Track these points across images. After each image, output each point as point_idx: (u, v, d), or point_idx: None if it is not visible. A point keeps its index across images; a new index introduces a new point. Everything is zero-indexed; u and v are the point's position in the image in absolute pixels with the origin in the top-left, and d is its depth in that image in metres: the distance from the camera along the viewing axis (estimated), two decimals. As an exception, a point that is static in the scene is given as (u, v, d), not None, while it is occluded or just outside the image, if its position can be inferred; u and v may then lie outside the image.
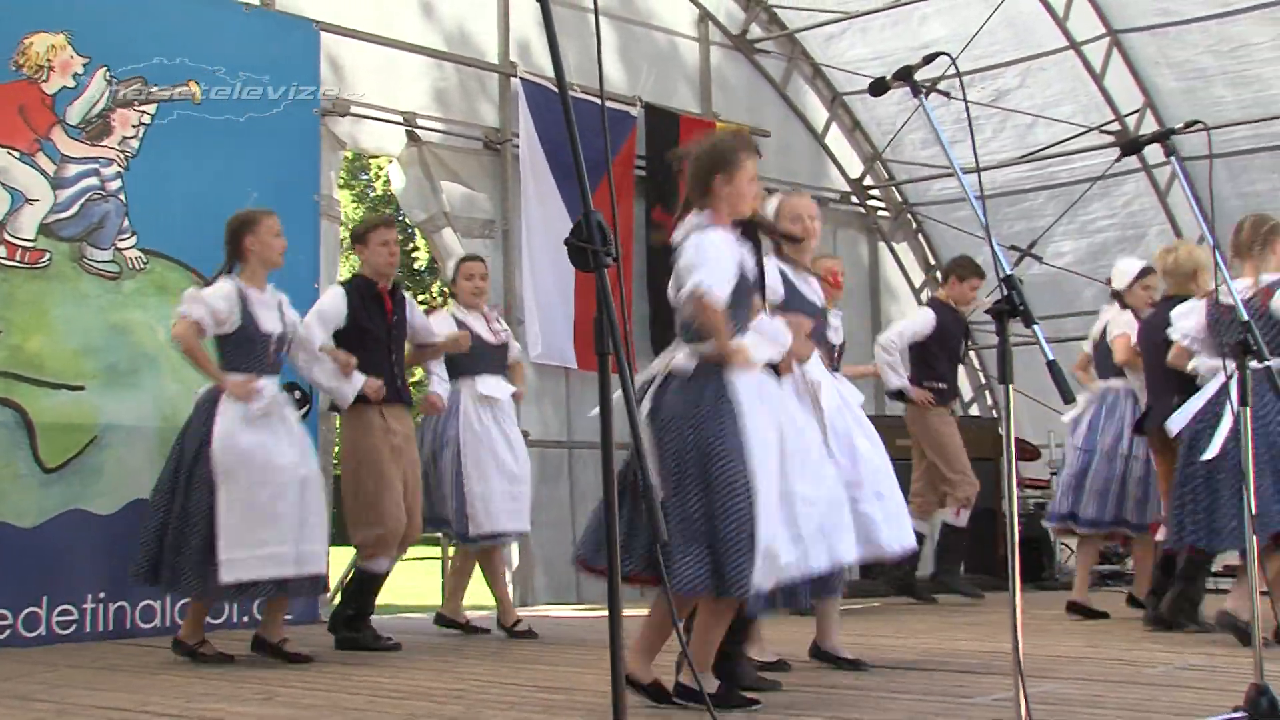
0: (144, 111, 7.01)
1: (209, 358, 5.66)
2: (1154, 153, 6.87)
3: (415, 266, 30.50)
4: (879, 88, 3.82)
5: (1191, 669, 5.11)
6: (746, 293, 4.32)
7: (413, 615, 7.85)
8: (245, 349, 5.65)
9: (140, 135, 6.99)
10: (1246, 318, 4.20)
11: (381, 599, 6.63)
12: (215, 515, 5.46)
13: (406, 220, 12.69)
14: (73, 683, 5.13)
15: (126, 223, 6.91)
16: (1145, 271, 7.18)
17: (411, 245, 29.34)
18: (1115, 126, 10.00)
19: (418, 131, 8.46)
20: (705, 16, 10.30)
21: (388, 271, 6.27)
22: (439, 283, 29.83)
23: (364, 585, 6.32)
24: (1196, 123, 4.46)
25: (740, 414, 4.14)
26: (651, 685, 4.26)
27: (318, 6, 7.91)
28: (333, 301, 6.16)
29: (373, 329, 6.16)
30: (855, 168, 11.36)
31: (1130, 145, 4.68)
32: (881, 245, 11.55)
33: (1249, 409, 4.18)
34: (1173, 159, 4.73)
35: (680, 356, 4.27)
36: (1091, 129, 9.98)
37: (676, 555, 4.00)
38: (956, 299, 8.10)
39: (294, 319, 5.90)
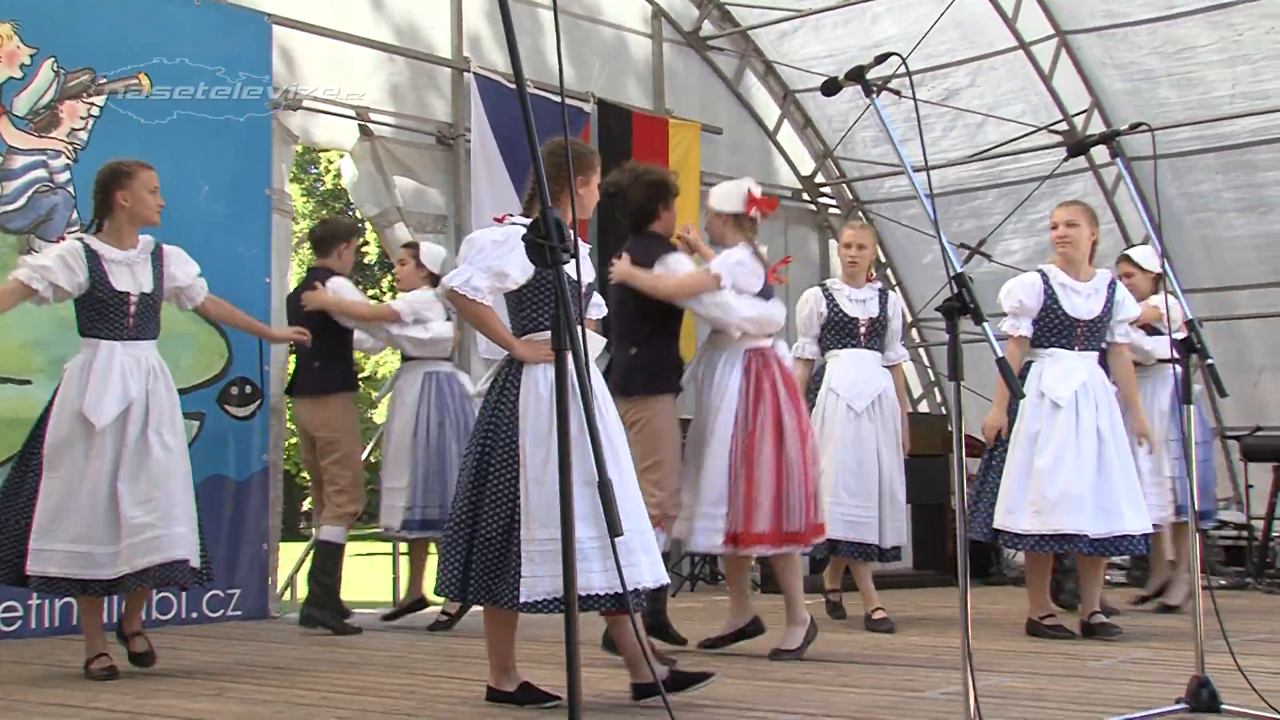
0: (93, 103, 6.94)
1: None
2: (1101, 152, 6.96)
3: (365, 261, 30.35)
4: (831, 87, 3.86)
5: (1134, 662, 5.19)
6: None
7: (363, 610, 7.81)
8: (99, 312, 5.15)
9: (89, 127, 6.92)
10: (1191, 316, 4.27)
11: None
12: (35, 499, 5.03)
13: (358, 214, 12.63)
14: (19, 679, 5.09)
15: (75, 215, 6.84)
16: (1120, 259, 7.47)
17: (362, 241, 29.22)
18: (1063, 126, 10.10)
19: (370, 126, 8.43)
20: (658, 13, 10.31)
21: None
22: (389, 277, 29.73)
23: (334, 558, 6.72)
24: (1141, 125, 4.53)
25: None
26: (520, 689, 4.36)
27: (270, -1, 7.87)
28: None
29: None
30: (807, 165, 11.42)
31: (1077, 146, 4.75)
32: (832, 242, 11.61)
33: (1192, 407, 4.26)
34: (1118, 160, 4.81)
35: None
36: (1040, 128, 10.08)
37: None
38: None
39: (184, 278, 5.43)
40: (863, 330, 6.64)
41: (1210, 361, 4.27)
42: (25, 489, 5.08)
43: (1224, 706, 3.89)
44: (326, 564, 6.68)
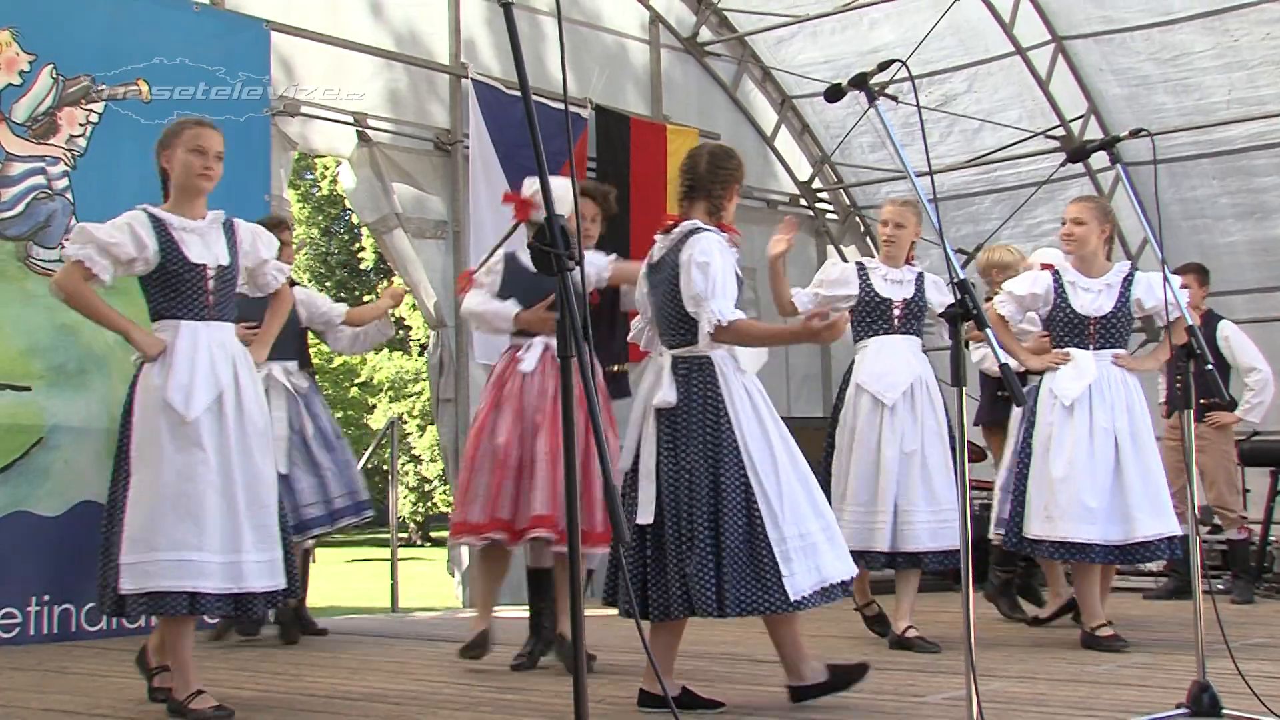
0: (91, 110, 6.95)
1: (103, 303, 4.49)
2: (1099, 158, 6.98)
3: (361, 267, 30.39)
4: (835, 94, 3.86)
5: (1135, 667, 5.20)
6: None
7: (365, 616, 7.83)
8: (173, 288, 4.45)
9: (88, 134, 6.93)
10: (1191, 322, 4.28)
11: (334, 600, 6.61)
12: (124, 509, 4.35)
13: (355, 220, 12.63)
14: (19, 685, 5.09)
15: (74, 222, 6.84)
16: None
17: (357, 245, 29.24)
18: (1060, 131, 10.13)
19: (368, 132, 8.44)
20: (655, 19, 10.34)
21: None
22: (384, 283, 29.75)
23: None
24: (1142, 130, 4.54)
25: None
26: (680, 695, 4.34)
27: (268, 6, 7.88)
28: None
29: None
30: (804, 170, 11.43)
31: (1078, 152, 4.77)
32: (830, 248, 11.63)
33: (1192, 411, 4.27)
34: (1118, 165, 4.83)
35: None
36: (1037, 134, 10.11)
37: None
38: None
39: (255, 257, 4.72)
40: (896, 314, 6.06)
41: (1209, 367, 4.28)
42: (117, 505, 4.36)
43: (1225, 711, 3.89)
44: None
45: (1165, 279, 4.45)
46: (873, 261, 6.25)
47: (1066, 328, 5.99)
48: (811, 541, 4.24)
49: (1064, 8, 9.64)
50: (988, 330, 3.45)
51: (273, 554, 4.42)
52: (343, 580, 8.45)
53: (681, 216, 4.52)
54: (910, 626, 5.91)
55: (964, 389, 3.41)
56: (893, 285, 6.07)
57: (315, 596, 11.45)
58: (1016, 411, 6.25)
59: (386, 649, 6.31)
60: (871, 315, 6.06)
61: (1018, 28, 9.78)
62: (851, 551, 5.55)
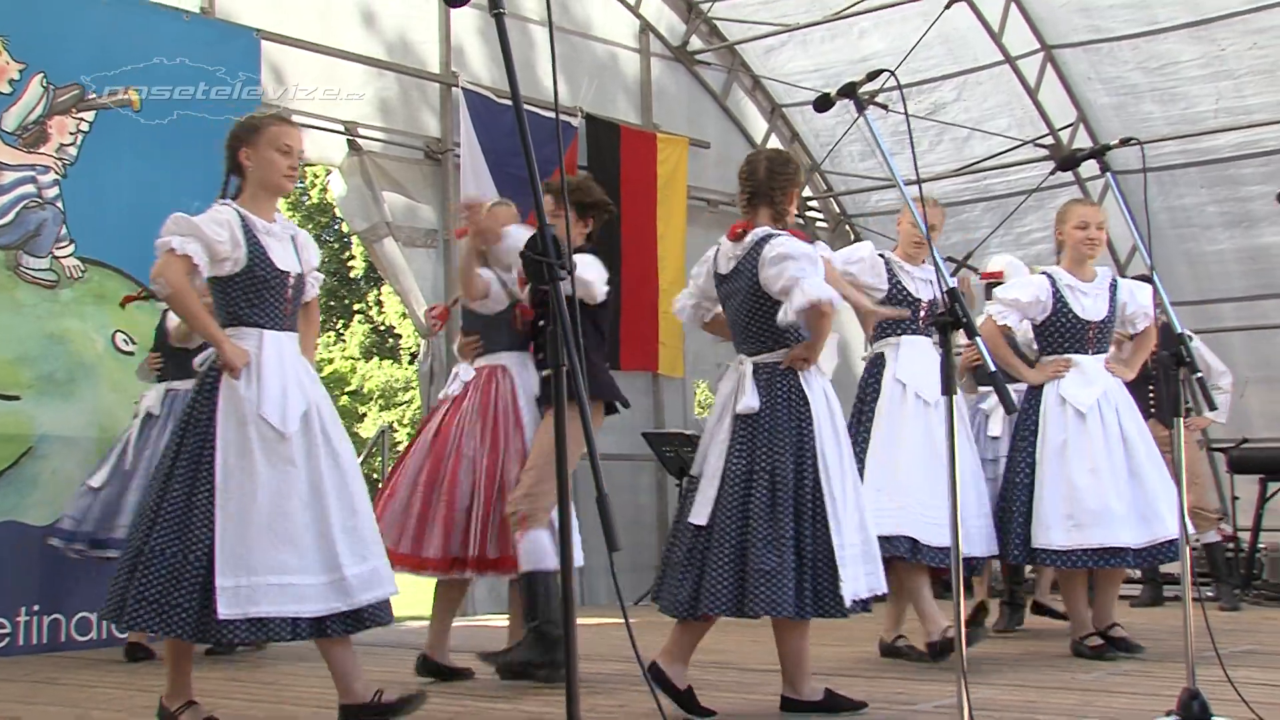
0: (82, 119, 6.94)
1: (201, 307, 4.14)
2: (1088, 166, 7.01)
3: (351, 275, 30.33)
4: (824, 104, 3.87)
5: (1125, 675, 5.20)
6: None
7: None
8: (258, 294, 4.18)
9: (79, 143, 6.92)
10: (1181, 330, 4.29)
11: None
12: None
13: (344, 229, 12.62)
14: (8, 696, 5.07)
15: (64, 231, 6.84)
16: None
17: (347, 254, 29.20)
18: (1049, 140, 10.17)
19: (359, 140, 8.44)
20: (646, 28, 10.36)
21: None
22: (374, 291, 29.70)
23: None
24: (1131, 139, 4.56)
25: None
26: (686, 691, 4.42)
27: (259, 15, 7.88)
28: None
29: None
30: (794, 179, 11.45)
31: (1068, 161, 4.78)
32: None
33: (1181, 419, 4.27)
34: (1108, 174, 4.85)
35: None
36: (1026, 142, 10.15)
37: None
38: None
39: (313, 261, 4.46)
40: (922, 314, 5.85)
41: (1198, 375, 4.29)
42: (195, 524, 3.99)
43: (1215, 718, 3.90)
44: None
45: (1156, 287, 4.46)
46: (895, 257, 5.96)
47: (1067, 333, 5.90)
48: (855, 553, 4.35)
49: (1052, 17, 9.68)
50: (978, 339, 3.47)
51: (374, 562, 4.16)
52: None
53: (746, 224, 4.60)
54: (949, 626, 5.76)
55: (955, 396, 3.43)
56: (920, 284, 5.88)
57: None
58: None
59: (376, 659, 6.28)
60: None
61: (1006, 37, 9.82)
62: (914, 542, 5.51)
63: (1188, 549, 4.18)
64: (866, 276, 5.83)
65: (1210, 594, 8.10)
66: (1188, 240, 10.22)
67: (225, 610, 3.91)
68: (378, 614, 4.17)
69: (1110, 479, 5.67)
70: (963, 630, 3.26)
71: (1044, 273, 6.07)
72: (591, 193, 5.35)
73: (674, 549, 4.43)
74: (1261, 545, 9.04)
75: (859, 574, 4.33)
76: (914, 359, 5.78)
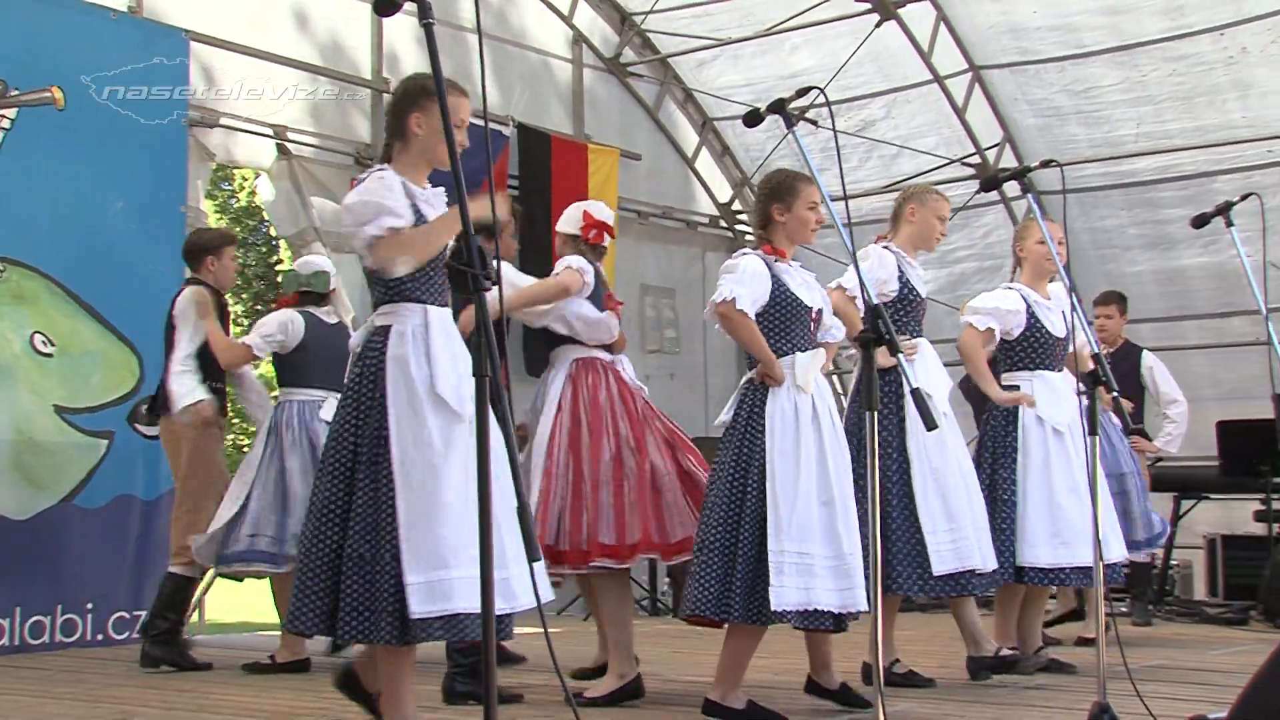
0: (3, 116, 6.83)
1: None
2: (1012, 186, 7.11)
3: (279, 280, 30.09)
4: (753, 119, 3.92)
5: (1039, 688, 5.28)
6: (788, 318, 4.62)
7: (275, 633, 7.73)
8: (419, 269, 3.90)
9: (0, 139, 6.81)
10: (1098, 350, 4.37)
11: (245, 616, 6.53)
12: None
13: (272, 233, 12.52)
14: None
15: (-15, 228, 6.73)
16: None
17: (275, 258, 28.94)
18: (976, 159, 10.31)
19: (289, 145, 8.38)
20: (579, 38, 10.38)
21: (229, 286, 6.44)
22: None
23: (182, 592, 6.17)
24: (1052, 161, 4.64)
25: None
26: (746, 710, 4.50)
27: (189, 16, 7.79)
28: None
29: None
30: (724, 192, 11.52)
31: (990, 181, 4.86)
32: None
33: (1097, 438, 4.35)
34: (1029, 196, 4.94)
35: None
36: (953, 161, 10.28)
37: None
38: None
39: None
40: (922, 312, 5.59)
41: (1115, 394, 4.38)
42: (382, 519, 3.70)
43: (1124, 731, 3.98)
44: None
45: (1074, 307, 4.53)
46: (900, 250, 5.60)
47: (1041, 349, 5.80)
48: (809, 563, 4.35)
49: (981, 38, 9.82)
50: (899, 356, 3.52)
51: (521, 567, 3.83)
52: (257, 595, 8.26)
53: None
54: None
55: (875, 411, 3.48)
56: (920, 282, 5.60)
57: (225, 612, 11.30)
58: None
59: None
60: (907, 314, 5.51)
61: (935, 56, 9.94)
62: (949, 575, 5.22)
63: (1101, 565, 4.25)
64: (876, 273, 5.44)
65: (1124, 609, 8.24)
66: (1109, 261, 10.40)
67: (418, 607, 3.59)
68: (506, 625, 3.90)
69: (1086, 497, 5.52)
70: (878, 647, 3.31)
71: (1013, 289, 5.90)
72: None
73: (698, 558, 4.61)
74: (1174, 562, 9.21)
75: (802, 585, 4.33)
76: (921, 367, 5.40)
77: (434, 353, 3.76)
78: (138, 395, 7.11)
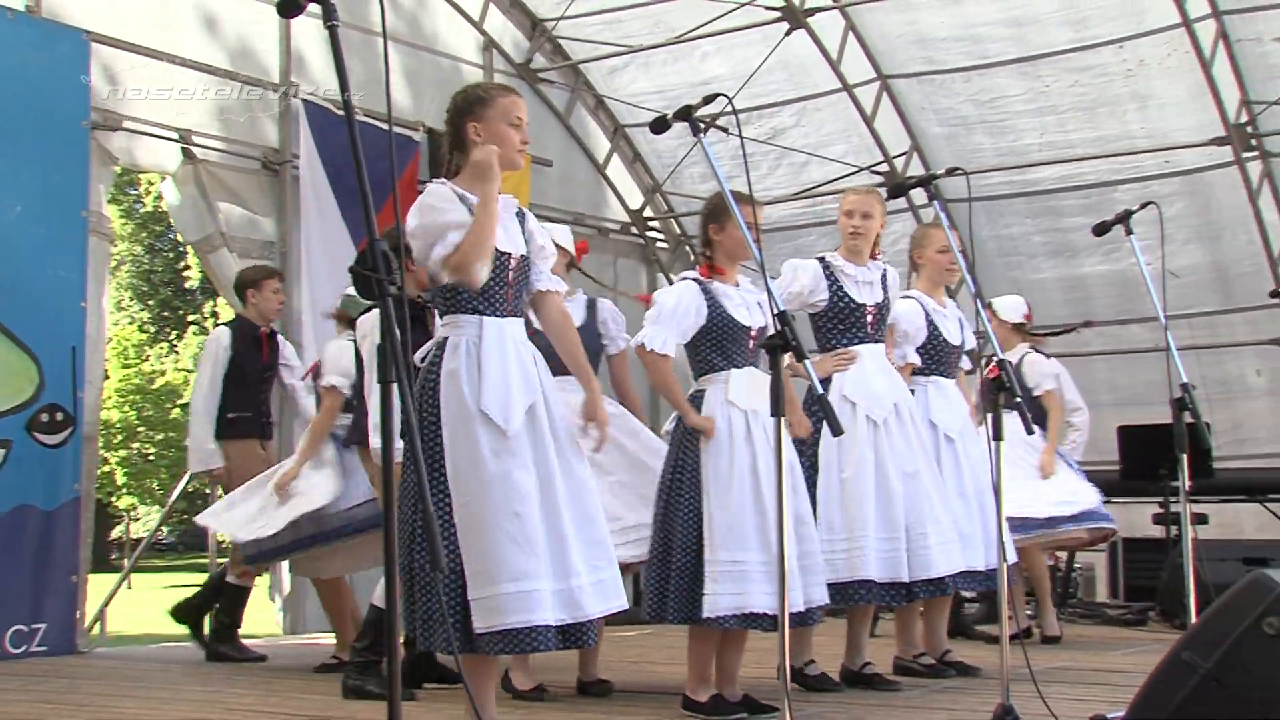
0: (-104, 118, 6.67)
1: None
2: (920, 194, 7.20)
3: (186, 286, 29.65)
4: (660, 125, 3.94)
5: (946, 692, 5.34)
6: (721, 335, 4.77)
7: (179, 645, 7.61)
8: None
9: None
10: (1002, 355, 4.43)
11: (149, 628, 6.43)
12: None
13: (179, 238, 12.33)
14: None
15: None
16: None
17: (182, 264, 28.53)
18: (884, 168, 10.42)
19: (194, 149, 8.25)
20: (490, 44, 10.34)
21: (273, 317, 7.09)
22: (210, 302, 29.02)
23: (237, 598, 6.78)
24: (957, 169, 4.72)
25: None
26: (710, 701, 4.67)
27: (90, 16, 7.63)
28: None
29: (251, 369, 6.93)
30: (636, 199, 11.54)
31: (896, 188, 4.92)
32: (660, 276, 11.75)
33: (1001, 443, 4.40)
34: (935, 203, 4.99)
35: None
36: (862, 169, 10.38)
37: None
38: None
39: (537, 248, 4.17)
40: (869, 319, 5.44)
41: (1019, 400, 4.43)
42: (444, 535, 3.77)
43: (1026, 732, 4.04)
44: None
45: (979, 312, 4.59)
46: (836, 259, 5.52)
47: (937, 357, 5.82)
48: (744, 569, 4.50)
49: (889, 47, 9.94)
50: (806, 362, 3.55)
51: (609, 571, 3.94)
52: (160, 606, 8.11)
53: None
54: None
55: (784, 418, 3.50)
56: (864, 288, 5.47)
57: (127, 623, 11.10)
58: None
59: (201, 678, 6.15)
60: (844, 323, 5.44)
61: (844, 65, 10.04)
62: (877, 584, 5.20)
63: (1004, 569, 4.31)
64: (810, 301, 5.45)
65: (1030, 613, 8.35)
66: (1014, 268, 10.57)
67: (479, 623, 3.69)
68: (594, 630, 3.97)
69: (974, 503, 5.63)
70: (786, 654, 3.33)
71: (909, 296, 5.89)
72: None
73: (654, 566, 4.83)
74: (1077, 565, 9.37)
75: (737, 590, 4.50)
76: (861, 372, 5.36)
77: (484, 367, 3.80)
78: (37, 403, 6.95)
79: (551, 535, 3.79)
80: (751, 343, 4.76)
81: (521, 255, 4.01)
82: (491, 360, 3.81)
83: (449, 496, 3.73)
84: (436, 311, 3.99)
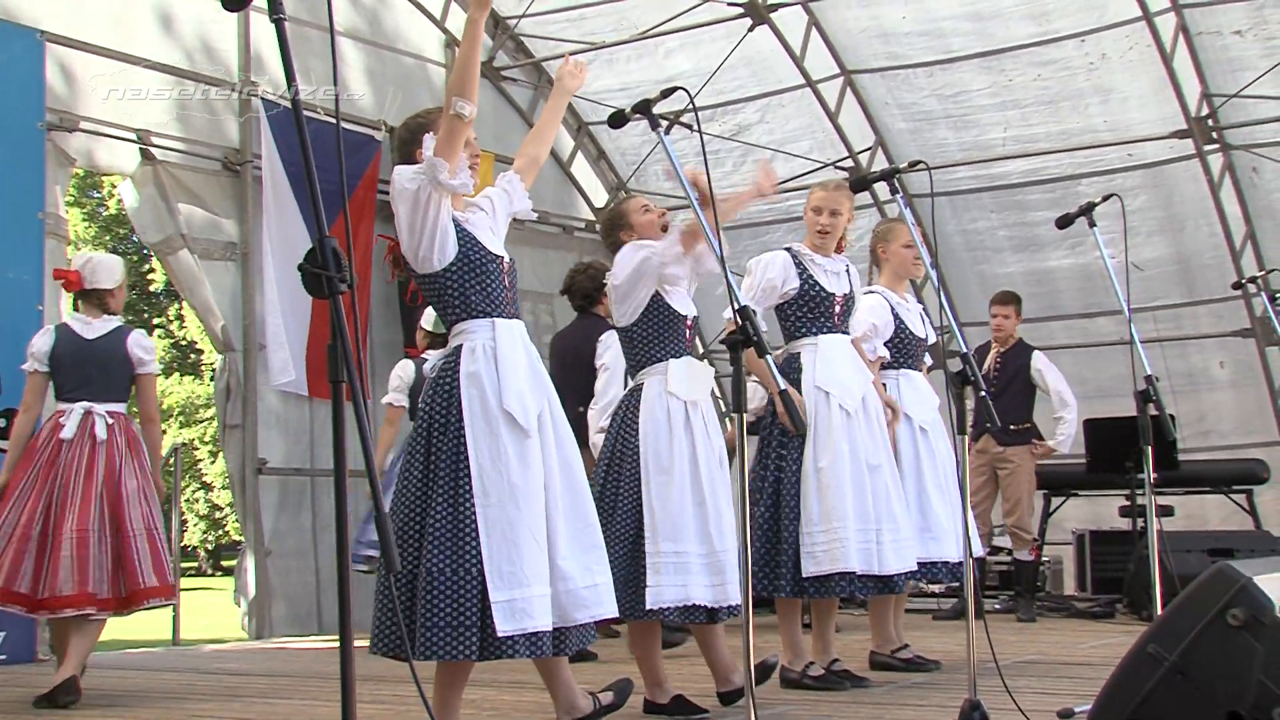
0: None
1: None
2: (884, 189, 7.19)
3: (151, 289, 29.41)
4: (618, 120, 3.92)
5: (914, 687, 5.33)
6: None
7: (144, 651, 7.54)
8: (480, 281, 3.98)
9: None
10: (966, 350, 4.43)
11: (109, 634, 6.35)
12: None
13: (141, 241, 12.22)
14: None
15: None
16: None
17: (147, 267, 28.30)
18: (849, 163, 10.42)
19: (153, 150, 8.16)
20: (452, 42, 10.28)
21: None
22: (175, 305, 28.79)
23: None
24: (920, 163, 4.70)
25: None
26: (672, 702, 4.62)
27: (45, 16, 7.54)
28: None
29: None
30: (600, 197, 11.51)
31: (860, 183, 4.89)
32: (626, 274, 11.72)
33: (967, 437, 4.40)
34: (899, 197, 4.98)
35: None
36: (827, 164, 10.38)
37: None
38: None
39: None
40: (837, 309, 5.40)
41: (983, 394, 4.43)
42: (465, 536, 3.76)
43: (994, 726, 4.02)
44: None
45: (942, 306, 4.58)
46: (804, 249, 5.52)
47: (904, 351, 5.86)
48: (685, 561, 4.45)
49: (852, 43, 9.93)
50: (767, 358, 3.52)
51: (603, 577, 3.96)
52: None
53: None
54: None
55: (745, 414, 3.47)
56: (832, 278, 5.43)
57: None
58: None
59: (164, 683, 6.08)
60: (813, 311, 5.38)
61: (808, 61, 10.03)
62: (850, 575, 5.12)
63: (971, 562, 4.30)
64: (783, 290, 5.39)
65: (999, 606, 8.37)
66: (980, 262, 10.58)
67: (504, 626, 3.67)
68: (586, 635, 3.96)
69: (951, 494, 5.75)
70: (750, 650, 3.30)
71: (873, 291, 5.92)
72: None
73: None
74: (1046, 558, 9.39)
75: (679, 583, 4.44)
76: (831, 361, 5.30)
77: (503, 368, 3.84)
78: (-9, 409, 6.86)
79: (547, 542, 3.83)
80: (688, 332, 4.77)
81: (510, 260, 4.10)
82: (509, 362, 3.87)
83: (472, 498, 3.74)
84: (434, 314, 4.14)
